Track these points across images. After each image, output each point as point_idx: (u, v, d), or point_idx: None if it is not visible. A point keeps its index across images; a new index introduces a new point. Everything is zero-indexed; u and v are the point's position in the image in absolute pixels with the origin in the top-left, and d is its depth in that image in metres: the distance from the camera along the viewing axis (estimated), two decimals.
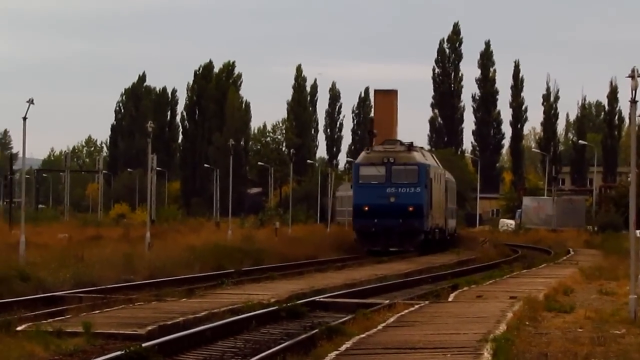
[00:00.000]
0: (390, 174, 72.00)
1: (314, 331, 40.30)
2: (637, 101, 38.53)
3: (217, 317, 43.61)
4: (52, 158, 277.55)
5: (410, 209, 71.42)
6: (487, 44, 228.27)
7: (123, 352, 30.53)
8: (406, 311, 45.15)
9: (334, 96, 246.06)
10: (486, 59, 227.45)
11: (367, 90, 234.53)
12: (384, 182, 73.10)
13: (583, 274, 73.91)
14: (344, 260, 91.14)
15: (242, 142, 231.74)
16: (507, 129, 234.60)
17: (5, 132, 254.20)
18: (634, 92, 42.80)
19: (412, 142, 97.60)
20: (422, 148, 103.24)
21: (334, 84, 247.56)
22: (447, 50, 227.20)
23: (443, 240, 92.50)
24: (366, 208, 74.23)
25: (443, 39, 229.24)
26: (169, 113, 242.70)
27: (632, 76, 42.48)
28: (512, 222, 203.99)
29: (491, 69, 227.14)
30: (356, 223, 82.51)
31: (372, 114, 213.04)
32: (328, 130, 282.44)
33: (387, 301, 53.04)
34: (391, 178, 72.52)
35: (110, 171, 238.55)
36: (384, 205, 71.93)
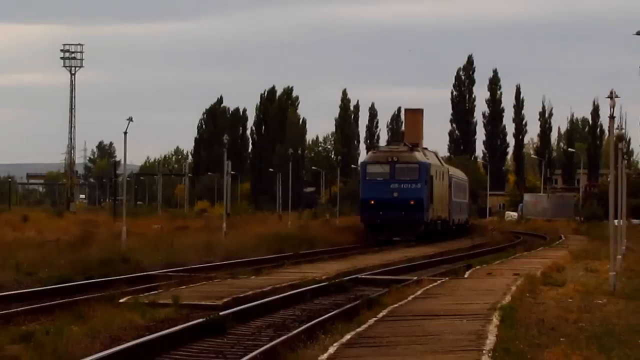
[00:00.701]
0: (394, 171, 71.49)
1: (357, 302, 40.82)
2: (615, 117, 39.09)
3: (279, 291, 44.04)
4: (148, 164, 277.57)
5: (412, 202, 70.33)
6: (495, 72, 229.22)
7: (204, 319, 31.05)
8: (430, 285, 45.34)
9: (373, 114, 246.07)
10: (494, 84, 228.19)
11: (399, 109, 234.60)
12: (388, 178, 72.33)
13: (572, 255, 73.88)
14: (380, 245, 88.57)
15: (299, 151, 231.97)
16: (510, 140, 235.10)
17: (111, 144, 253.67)
18: (612, 109, 43.42)
19: (416, 143, 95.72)
20: (425, 149, 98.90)
21: (372, 104, 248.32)
22: (463, 77, 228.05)
23: (447, 230, 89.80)
24: (372, 202, 73.99)
25: (460, 68, 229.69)
26: (240, 128, 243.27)
27: (610, 97, 43.10)
28: (515, 213, 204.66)
29: (498, 92, 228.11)
30: (363, 215, 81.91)
31: (403, 128, 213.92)
32: (367, 141, 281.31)
33: (415, 277, 53.39)
34: (394, 175, 71.83)
35: (194, 175, 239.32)
36: (388, 199, 71.24)
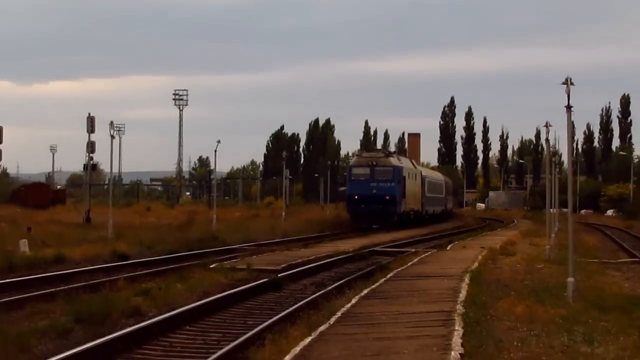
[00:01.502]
0: (373, 172, 69.35)
1: (372, 267, 41.43)
2: (549, 139, 39.09)
3: (319, 259, 44.64)
4: (232, 171, 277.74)
5: (387, 197, 68.24)
6: (469, 108, 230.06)
7: (267, 279, 32.56)
8: (423, 255, 45.47)
9: (386, 136, 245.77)
10: (469, 116, 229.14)
11: (403, 133, 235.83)
12: (369, 178, 69.80)
13: (521, 233, 74.07)
14: (389, 227, 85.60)
15: (335, 162, 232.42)
16: (480, 154, 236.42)
17: (207, 157, 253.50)
18: (547, 134, 43.35)
19: (392, 151, 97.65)
20: (400, 155, 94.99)
21: (386, 130, 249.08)
22: (447, 111, 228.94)
23: (420, 219, 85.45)
24: (356, 197, 71.88)
25: (445, 105, 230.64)
26: (295, 147, 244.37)
27: (546, 126, 43.27)
28: (483, 205, 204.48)
29: (471, 122, 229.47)
30: (349, 207, 78.27)
31: (406, 147, 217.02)
32: None
33: (413, 249, 53.30)
34: (374, 176, 69.40)
35: (263, 178, 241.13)
36: (369, 195, 69.14)
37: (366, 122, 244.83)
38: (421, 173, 77.06)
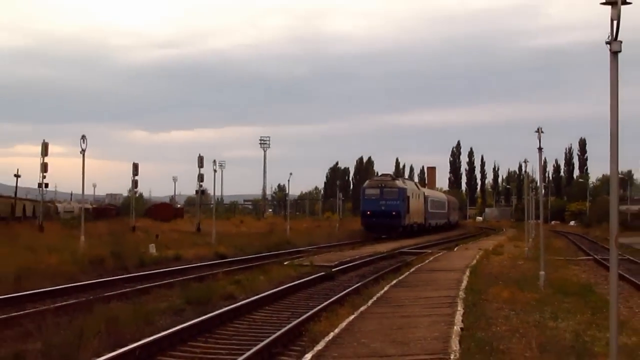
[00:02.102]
0: (382, 193, 66.03)
1: (400, 264, 40.61)
2: (527, 171, 38.63)
3: (362, 258, 43.99)
4: (302, 194, 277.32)
5: (393, 213, 65.37)
6: (471, 149, 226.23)
7: (324, 272, 32.53)
8: (437, 255, 45.16)
9: (411, 169, 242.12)
10: (470, 155, 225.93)
11: (423, 167, 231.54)
12: (379, 197, 66.49)
13: (508, 238, 73.23)
14: (395, 236, 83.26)
15: None
16: (479, 182, 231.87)
17: (284, 185, 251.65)
18: (526, 168, 43.34)
19: (399, 177, 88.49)
20: (405, 178, 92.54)
21: (411, 165, 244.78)
22: (455, 150, 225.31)
23: (423, 230, 79.72)
24: (368, 212, 68.67)
25: (454, 146, 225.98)
26: (346, 177, 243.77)
27: (525, 162, 43.19)
28: (481, 218, 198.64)
29: (472, 159, 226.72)
30: (363, 220, 73.47)
31: (426, 176, 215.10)
32: None
33: (430, 250, 52.30)
34: (383, 195, 66.26)
35: (324, 199, 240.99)
36: (378, 211, 65.96)
37: (397, 159, 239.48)
38: (424, 193, 73.47)
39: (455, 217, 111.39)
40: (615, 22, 9.25)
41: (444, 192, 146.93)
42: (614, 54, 9.56)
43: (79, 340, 14.76)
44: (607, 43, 9.51)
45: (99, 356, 13.32)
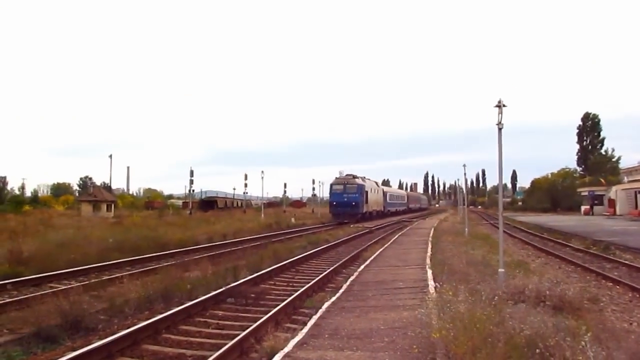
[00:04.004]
0: (345, 188, 46.21)
1: (401, 226, 37.06)
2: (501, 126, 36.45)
3: (387, 224, 40.12)
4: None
5: (353, 203, 45.73)
6: (432, 174, 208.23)
7: (368, 230, 29.06)
8: (419, 221, 43.56)
9: (406, 184, 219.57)
10: (431, 177, 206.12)
11: (410, 183, 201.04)
12: (342, 191, 46.14)
13: (450, 215, 66.30)
14: (372, 218, 69.94)
15: None
16: (437, 189, 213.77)
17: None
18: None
19: (358, 177, 52.48)
20: (365, 178, 56.52)
21: (407, 182, 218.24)
22: (426, 175, 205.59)
23: (382, 215, 56.10)
24: (335, 203, 46.85)
25: (425, 174, 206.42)
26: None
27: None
28: (438, 205, 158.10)
29: (435, 178, 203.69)
30: (331, 209, 48.69)
31: (411, 187, 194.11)
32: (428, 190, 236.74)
33: (414, 220, 48.10)
34: (345, 190, 46.30)
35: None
36: (342, 202, 45.81)
37: (426, 174, 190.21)
38: (383, 190, 56.00)
39: (417, 205, 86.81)
40: (500, 115, 9.61)
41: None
42: (499, 129, 9.85)
43: (261, 260, 15.09)
44: (496, 124, 9.81)
45: (270, 266, 13.63)
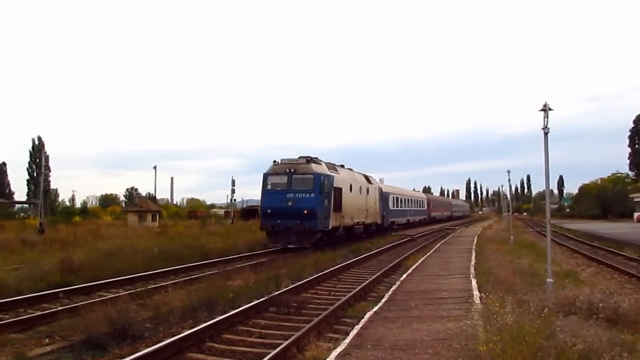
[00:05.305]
0: (290, 181, 21.99)
1: (443, 234, 36.17)
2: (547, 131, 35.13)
3: (429, 231, 38.84)
4: None
5: (305, 212, 21.17)
6: (475, 181, 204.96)
7: (410, 238, 28.59)
8: (462, 228, 42.80)
9: (447, 191, 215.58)
10: (474, 184, 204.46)
11: (452, 190, 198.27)
12: (285, 188, 21.93)
13: (494, 222, 64.22)
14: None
15: None
16: (479, 196, 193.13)
17: None
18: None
19: (328, 162, 24.90)
20: (337, 165, 26.28)
21: (447, 189, 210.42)
22: (468, 181, 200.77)
23: (380, 230, 33.44)
24: (269, 210, 21.84)
25: (467, 180, 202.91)
26: None
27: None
28: (481, 212, 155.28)
29: (477, 185, 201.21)
30: (263, 223, 22.05)
31: (453, 194, 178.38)
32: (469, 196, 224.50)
33: (457, 227, 46.38)
34: (291, 185, 21.97)
35: None
36: (283, 209, 21.45)
37: (468, 181, 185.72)
38: (380, 189, 34.09)
39: (446, 213, 69.27)
40: (546, 119, 9.36)
41: (461, 200, 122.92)
42: (545, 134, 9.58)
43: (302, 268, 15.12)
44: (542, 128, 9.56)
45: (311, 275, 13.61)
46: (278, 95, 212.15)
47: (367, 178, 31.16)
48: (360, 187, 28.44)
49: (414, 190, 62.83)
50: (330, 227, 22.67)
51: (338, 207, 23.89)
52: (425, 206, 54.32)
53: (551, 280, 9.54)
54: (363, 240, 27.34)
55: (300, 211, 21.30)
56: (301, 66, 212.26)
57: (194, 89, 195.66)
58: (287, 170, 22.04)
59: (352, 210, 26.31)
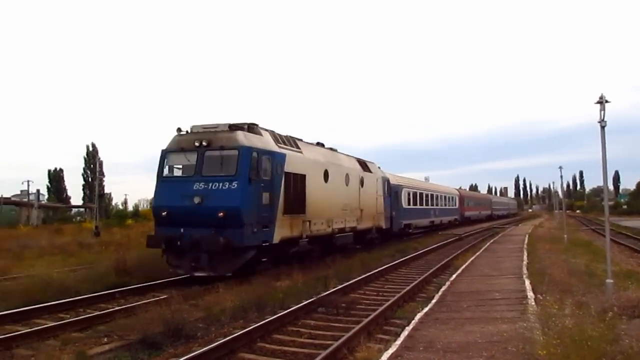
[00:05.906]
0: (202, 163, 9.75)
1: (493, 232, 35.63)
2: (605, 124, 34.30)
3: (476, 230, 38.23)
4: None
5: (220, 214, 9.65)
6: (524, 178, 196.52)
7: (458, 237, 28.27)
8: (511, 227, 41.63)
9: (495, 188, 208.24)
10: (522, 181, 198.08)
11: (501, 187, 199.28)
12: (192, 175, 9.81)
13: (545, 220, 63.22)
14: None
15: None
16: (529, 193, 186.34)
17: None
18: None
19: (254, 124, 11.64)
20: (289, 137, 13.81)
21: (495, 186, 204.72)
22: (517, 178, 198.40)
23: (392, 235, 24.56)
24: (164, 213, 9.88)
25: (516, 177, 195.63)
26: None
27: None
28: (531, 210, 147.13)
29: (526, 182, 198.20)
30: (155, 234, 10.67)
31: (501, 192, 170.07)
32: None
33: (505, 226, 45.53)
34: (202, 169, 9.77)
35: None
36: (189, 209, 9.62)
37: (517, 176, 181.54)
38: (388, 181, 23.59)
39: (486, 212, 60.42)
40: (602, 112, 8.95)
41: (509, 198, 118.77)
42: (602, 127, 9.17)
43: (350, 269, 15.07)
44: (598, 122, 9.17)
45: (359, 275, 13.53)
46: (319, 94, 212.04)
47: (363, 164, 20.91)
48: (347, 176, 18.44)
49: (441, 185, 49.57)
50: (277, 240, 12.97)
51: (297, 205, 14.16)
52: (457, 204, 44.59)
53: (611, 281, 9.16)
54: (359, 251, 19.42)
55: (213, 213, 11.18)
56: (342, 65, 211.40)
57: (222, 94, 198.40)
58: (197, 144, 11.72)
59: (328, 210, 16.60)
